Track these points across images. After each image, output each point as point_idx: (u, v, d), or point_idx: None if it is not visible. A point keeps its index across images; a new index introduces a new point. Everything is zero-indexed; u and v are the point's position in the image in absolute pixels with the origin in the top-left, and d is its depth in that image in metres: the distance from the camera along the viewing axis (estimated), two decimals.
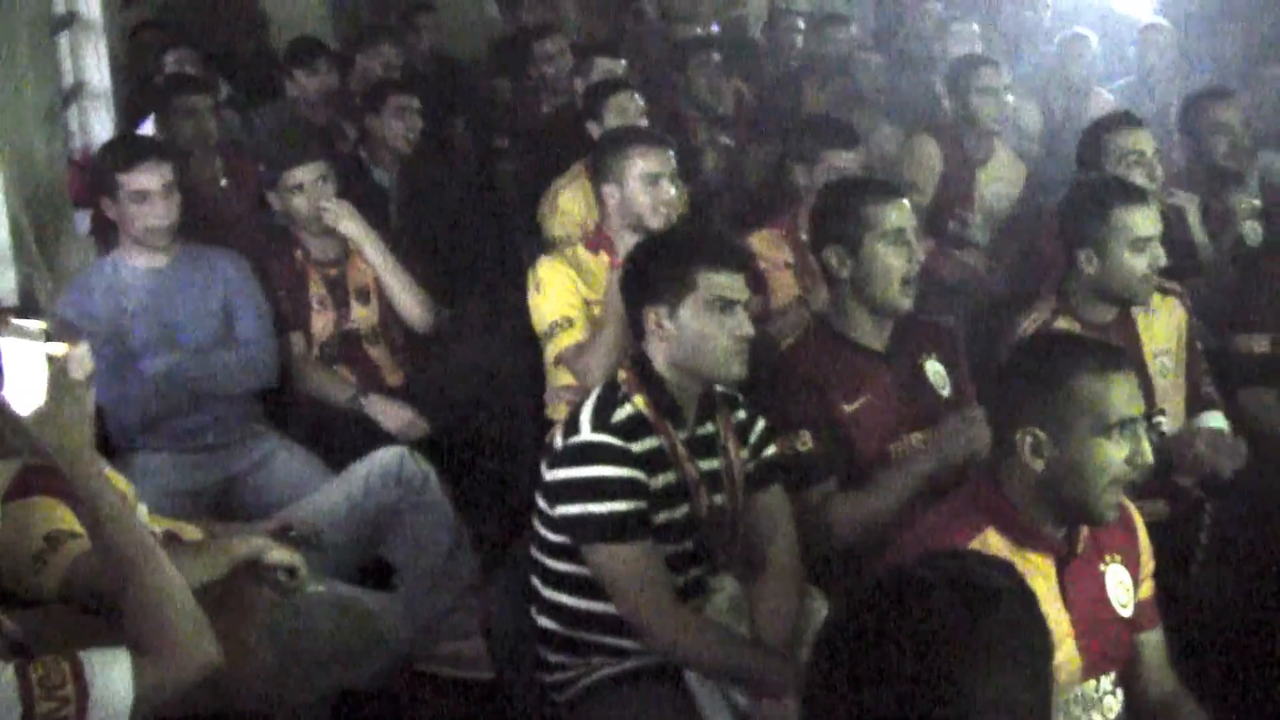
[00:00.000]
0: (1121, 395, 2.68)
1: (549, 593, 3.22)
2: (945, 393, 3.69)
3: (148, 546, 2.43)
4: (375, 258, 4.75)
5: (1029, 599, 1.88)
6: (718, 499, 3.26)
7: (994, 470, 2.80)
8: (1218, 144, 5.19)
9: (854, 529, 3.46)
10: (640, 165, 4.20)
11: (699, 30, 8.13)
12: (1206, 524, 3.89)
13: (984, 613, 1.80)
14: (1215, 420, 4.04)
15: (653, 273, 3.24)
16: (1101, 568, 2.84)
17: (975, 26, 7.13)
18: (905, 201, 3.65)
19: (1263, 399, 4.26)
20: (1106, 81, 7.13)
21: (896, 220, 3.58)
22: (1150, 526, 3.00)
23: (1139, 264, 3.80)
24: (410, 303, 4.81)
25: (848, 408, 3.54)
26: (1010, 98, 5.86)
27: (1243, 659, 3.46)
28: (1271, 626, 3.49)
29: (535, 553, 3.24)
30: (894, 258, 3.56)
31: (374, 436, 4.43)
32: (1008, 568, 1.97)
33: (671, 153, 4.29)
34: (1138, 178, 4.42)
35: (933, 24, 7.57)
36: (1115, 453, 2.67)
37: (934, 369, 3.70)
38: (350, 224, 4.72)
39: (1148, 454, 2.70)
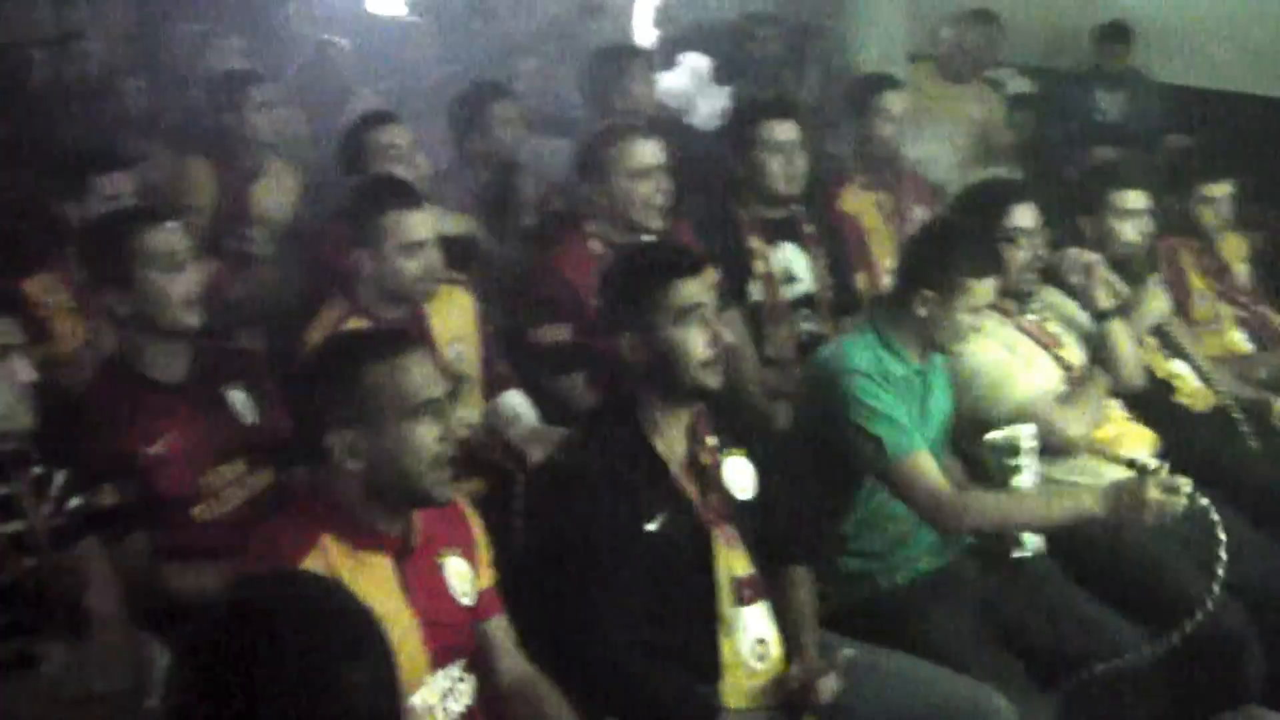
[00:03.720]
0: (417, 376, 2.71)
1: None
2: (250, 419, 3.66)
3: None
4: None
5: (355, 601, 1.90)
6: (27, 562, 3.10)
7: (317, 477, 2.78)
8: (492, 138, 5.38)
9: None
10: None
11: None
12: (518, 493, 4.09)
13: (320, 623, 1.81)
14: (515, 398, 4.24)
15: None
16: (439, 560, 2.88)
17: (235, 41, 7.08)
18: (168, 224, 3.59)
19: (570, 382, 4.33)
20: (371, 81, 7.26)
21: (162, 245, 3.53)
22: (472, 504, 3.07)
23: (411, 266, 3.89)
24: None
25: (150, 450, 3.44)
26: (280, 110, 5.87)
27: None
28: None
29: None
30: (166, 282, 3.50)
31: None
32: (324, 579, 1.98)
33: None
34: (399, 171, 4.58)
35: (190, 43, 7.41)
36: (426, 434, 2.70)
37: (237, 396, 3.66)
38: None
39: (457, 429, 2.77)
